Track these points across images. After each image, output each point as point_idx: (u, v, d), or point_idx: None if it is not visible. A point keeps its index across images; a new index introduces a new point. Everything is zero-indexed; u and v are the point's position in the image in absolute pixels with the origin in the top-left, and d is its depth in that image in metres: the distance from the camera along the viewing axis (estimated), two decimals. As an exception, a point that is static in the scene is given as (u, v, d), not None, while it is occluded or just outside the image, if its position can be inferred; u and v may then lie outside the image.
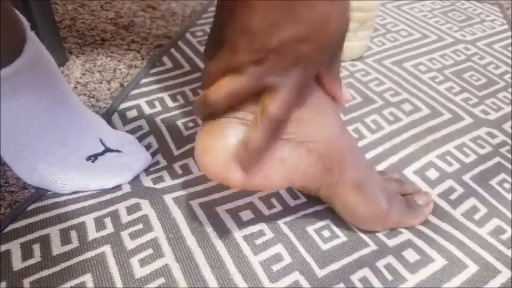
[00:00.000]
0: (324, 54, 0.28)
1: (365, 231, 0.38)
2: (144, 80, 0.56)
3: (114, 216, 0.38)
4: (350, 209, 0.36)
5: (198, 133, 0.32)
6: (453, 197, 0.42)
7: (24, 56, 0.33)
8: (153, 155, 0.45)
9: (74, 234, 0.36)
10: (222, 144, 0.31)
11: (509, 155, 0.48)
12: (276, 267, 0.35)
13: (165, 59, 0.60)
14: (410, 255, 0.36)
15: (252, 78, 0.27)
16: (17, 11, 0.34)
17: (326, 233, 0.38)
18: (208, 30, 0.31)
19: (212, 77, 0.29)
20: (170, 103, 0.52)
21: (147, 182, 0.42)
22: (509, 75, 0.63)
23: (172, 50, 0.63)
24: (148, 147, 0.46)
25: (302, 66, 0.27)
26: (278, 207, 0.40)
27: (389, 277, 0.34)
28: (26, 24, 0.35)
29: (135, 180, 0.42)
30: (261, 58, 0.26)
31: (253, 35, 0.26)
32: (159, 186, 0.41)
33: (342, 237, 0.38)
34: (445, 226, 0.39)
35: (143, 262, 0.34)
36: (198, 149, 0.32)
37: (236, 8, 0.25)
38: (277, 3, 0.24)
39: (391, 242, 0.37)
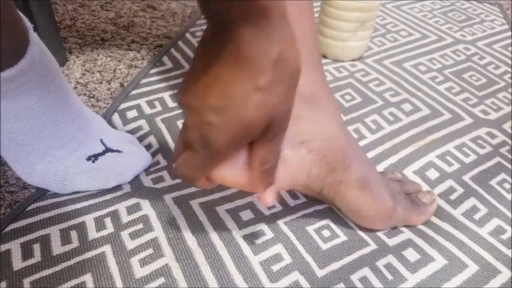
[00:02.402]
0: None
1: (365, 230, 0.38)
2: (144, 80, 0.56)
3: (114, 216, 0.38)
4: (355, 207, 0.36)
5: None
6: (453, 197, 0.42)
7: (27, 58, 0.33)
8: (153, 155, 0.45)
9: (74, 234, 0.36)
10: None
11: (509, 155, 0.48)
12: (276, 267, 0.35)
13: (165, 59, 0.61)
14: (411, 254, 0.36)
15: None
16: (20, 13, 0.34)
17: (326, 233, 0.38)
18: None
19: None
20: (170, 103, 0.52)
21: (147, 182, 0.42)
22: (509, 75, 0.63)
23: (173, 50, 0.63)
24: (148, 147, 0.46)
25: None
26: (278, 207, 0.40)
27: (390, 277, 0.34)
28: (29, 25, 0.35)
29: (135, 180, 0.42)
30: None
31: None
32: (159, 186, 0.41)
33: (342, 236, 0.38)
34: (445, 226, 0.39)
35: (143, 262, 0.34)
36: None
37: None
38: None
39: (392, 242, 0.37)
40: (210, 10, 0.23)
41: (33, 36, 0.35)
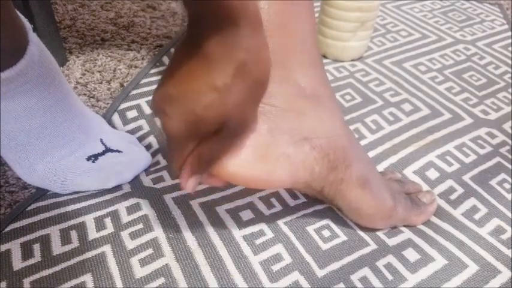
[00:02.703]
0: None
1: (366, 230, 0.38)
2: (144, 80, 0.56)
3: (114, 216, 0.38)
4: (355, 205, 0.36)
5: None
6: (453, 197, 0.42)
7: (26, 58, 0.33)
8: (153, 155, 0.45)
9: (74, 234, 0.36)
10: None
11: (509, 155, 0.48)
12: (276, 267, 0.35)
13: (165, 59, 0.61)
14: (411, 254, 0.36)
15: None
16: (19, 13, 0.34)
17: (326, 233, 0.38)
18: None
19: None
20: (170, 103, 0.52)
21: (147, 182, 0.42)
22: (509, 75, 0.63)
23: (173, 50, 0.63)
24: (148, 147, 0.46)
25: None
26: (278, 207, 0.40)
27: (390, 277, 0.34)
28: (29, 26, 0.35)
29: (135, 180, 0.42)
30: None
31: None
32: (159, 186, 0.41)
33: (342, 236, 0.38)
34: (445, 226, 0.39)
35: (143, 262, 0.34)
36: None
37: None
38: None
39: (392, 242, 0.37)
40: (186, 7, 0.24)
41: (33, 36, 0.35)
